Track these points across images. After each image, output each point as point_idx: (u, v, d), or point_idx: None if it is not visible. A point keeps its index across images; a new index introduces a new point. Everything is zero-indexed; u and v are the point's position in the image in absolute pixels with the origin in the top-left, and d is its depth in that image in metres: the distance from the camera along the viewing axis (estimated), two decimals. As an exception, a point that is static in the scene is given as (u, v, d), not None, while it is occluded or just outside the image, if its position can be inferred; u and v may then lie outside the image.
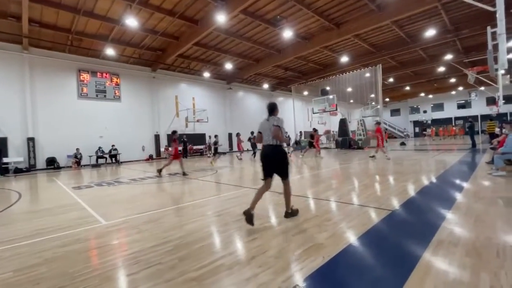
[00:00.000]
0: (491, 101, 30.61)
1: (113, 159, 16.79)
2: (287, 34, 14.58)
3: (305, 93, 27.48)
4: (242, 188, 6.07)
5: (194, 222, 3.62)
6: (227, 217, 3.80)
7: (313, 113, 21.97)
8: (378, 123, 12.37)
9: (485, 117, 31.74)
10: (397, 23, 14.99)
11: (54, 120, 15.01)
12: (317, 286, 1.91)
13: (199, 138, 21.91)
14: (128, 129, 17.94)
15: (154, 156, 19.14)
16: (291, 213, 3.63)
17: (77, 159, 14.93)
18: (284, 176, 3.56)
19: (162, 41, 15.77)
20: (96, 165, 15.54)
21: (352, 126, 28.19)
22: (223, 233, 3.15)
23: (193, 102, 21.53)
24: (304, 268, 2.17)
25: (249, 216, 3.17)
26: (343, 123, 21.76)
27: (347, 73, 20.06)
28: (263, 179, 3.62)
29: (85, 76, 16.26)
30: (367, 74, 19.46)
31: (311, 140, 14.22)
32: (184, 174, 8.77)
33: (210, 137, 18.59)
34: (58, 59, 15.26)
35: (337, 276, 2.06)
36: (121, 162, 16.84)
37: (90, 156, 15.56)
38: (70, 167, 14.79)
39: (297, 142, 19.36)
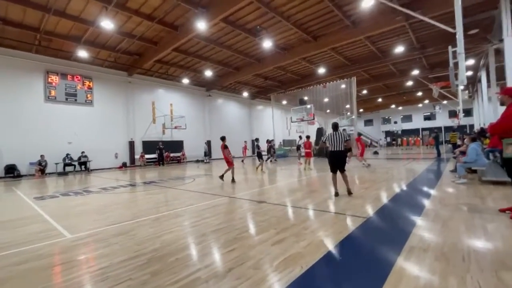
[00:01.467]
0: (453, 114, 33.23)
1: (83, 166, 15.79)
2: (267, 44, 14.88)
3: (284, 102, 28.02)
4: (220, 197, 5.95)
5: (169, 233, 3.47)
6: (204, 227, 3.68)
7: (292, 122, 22.40)
8: (359, 134, 12.91)
9: (448, 129, 34.28)
10: (370, 39, 15.91)
11: (16, 124, 13.86)
12: (295, 297, 1.89)
13: (177, 145, 21.37)
14: (100, 135, 17.03)
15: (128, 164, 18.29)
16: (349, 192, 5.42)
17: (41, 167, 13.83)
18: (343, 169, 5.54)
19: (140, 46, 15.36)
20: (63, 173, 14.49)
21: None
22: (200, 245, 3.04)
23: (170, 109, 21.05)
24: (282, 278, 2.14)
25: (336, 193, 5.36)
26: (320, 132, 22.38)
27: (324, 84, 20.87)
28: (333, 172, 5.60)
29: (54, 78, 15.30)
30: (343, 86, 20.36)
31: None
32: (232, 180, 8.24)
33: (267, 140, 18.66)
34: (23, 59, 14.25)
35: (315, 285, 2.05)
36: (92, 170, 15.88)
37: (56, 164, 14.49)
38: (33, 175, 13.65)
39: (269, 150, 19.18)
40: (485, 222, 3.37)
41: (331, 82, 20.46)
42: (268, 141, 18.55)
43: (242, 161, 17.68)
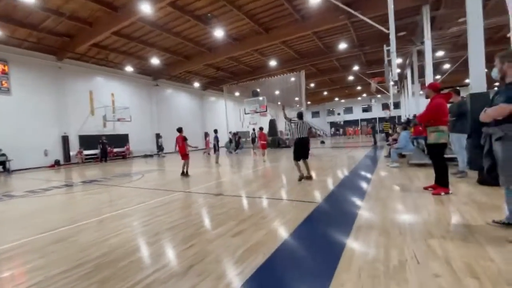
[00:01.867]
0: (385, 107, 37.74)
1: (0, 167, 13.26)
2: (219, 33, 14.45)
3: (237, 93, 27.91)
4: (174, 192, 5.67)
5: (118, 236, 3.16)
6: (158, 225, 3.46)
7: (245, 114, 22.50)
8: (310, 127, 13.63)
9: (381, 119, 38.84)
10: (317, 34, 16.78)
11: None
12: (262, 284, 1.91)
13: (121, 139, 19.50)
14: (23, 130, 14.42)
15: (62, 162, 16.02)
16: (309, 177, 5.91)
17: None
18: (306, 157, 6.03)
19: (71, 26, 13.30)
20: (-28, 176, 11.95)
21: (280, 126, 30.14)
22: (154, 244, 2.84)
23: (112, 99, 19.04)
24: (246, 268, 2.14)
25: (300, 178, 5.77)
26: (272, 124, 23.03)
27: (275, 76, 21.41)
28: (297, 160, 5.95)
29: (-48, 60, 12.31)
30: (292, 79, 21.19)
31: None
32: (186, 174, 7.93)
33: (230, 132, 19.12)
34: None
35: (278, 270, 2.11)
36: (13, 171, 13.45)
37: (-38, 165, 11.86)
38: None
39: (231, 141, 19.48)
40: (414, 199, 3.92)
41: (282, 75, 21.10)
42: (235, 133, 19.38)
43: (208, 153, 17.30)
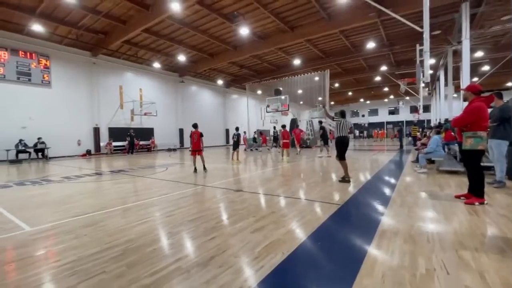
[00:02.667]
0: (414, 109, 35.86)
1: (40, 154, 14.40)
2: (244, 31, 14.55)
3: (259, 92, 27.92)
4: (196, 186, 5.82)
5: (144, 224, 3.31)
6: (181, 216, 3.57)
7: (267, 112, 22.47)
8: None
9: (409, 123, 36.98)
10: (344, 33, 16.30)
11: (-44, 105, 12.12)
12: (280, 281, 1.91)
13: (147, 132, 20.36)
14: (60, 120, 15.56)
15: (93, 152, 17.06)
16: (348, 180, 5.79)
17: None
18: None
19: (106, 24, 14.08)
20: (15, 161, 13.10)
21: (302, 126, 29.77)
22: (178, 234, 2.94)
23: (140, 94, 19.90)
24: (265, 265, 2.15)
25: (343, 180, 5.73)
26: (293, 123, 22.77)
27: (299, 75, 21.12)
28: (342, 159, 5.88)
29: (2, 54, 13.52)
30: (316, 78, 20.79)
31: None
32: (195, 170, 7.95)
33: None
34: (-37, 29, 12.35)
35: (297, 270, 2.10)
36: (50, 158, 14.56)
37: (7, 151, 13.01)
38: (-21, 163, 12.16)
39: (255, 139, 20.02)
40: (444, 207, 3.70)
41: (306, 74, 20.77)
42: (261, 132, 19.87)
43: (245, 150, 18.53)
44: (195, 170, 7.97)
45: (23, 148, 13.68)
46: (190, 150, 8.34)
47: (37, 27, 12.93)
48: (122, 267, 2.18)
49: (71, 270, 2.16)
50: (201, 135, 8.12)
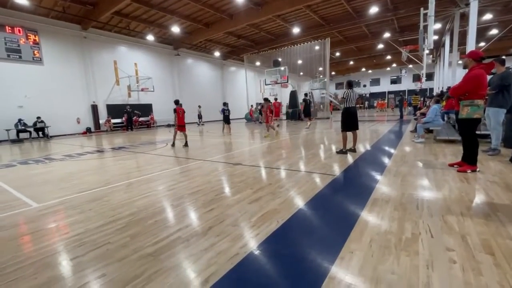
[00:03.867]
0: (417, 78, 35.00)
1: (40, 133, 14.46)
2: (239, -2, 13.73)
3: (257, 63, 27.05)
4: (195, 160, 5.92)
5: (145, 198, 3.44)
6: (181, 190, 3.70)
7: (266, 85, 22.03)
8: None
9: (411, 92, 36.31)
10: (346, -3, 15.38)
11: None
12: (274, 247, 2.05)
13: (145, 108, 20.17)
14: (57, 98, 15.34)
15: (93, 129, 17.08)
16: (354, 149, 5.87)
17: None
18: (357, 128, 5.84)
19: (92, -7, 13.28)
20: (17, 141, 13.21)
21: (301, 98, 29.36)
22: (178, 207, 3.07)
23: (135, 69, 19.38)
24: (261, 232, 2.28)
25: (341, 151, 5.74)
26: (293, 95, 22.44)
27: (298, 45, 20.34)
28: (346, 131, 5.77)
29: (-11, 30, 12.97)
30: (316, 47, 20.05)
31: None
32: (173, 144, 8.54)
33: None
34: None
35: (291, 236, 2.23)
36: (51, 137, 14.64)
37: (7, 130, 13.04)
38: (-19, 143, 12.28)
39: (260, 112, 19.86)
40: (436, 175, 3.80)
41: (306, 43, 19.99)
42: (262, 105, 18.11)
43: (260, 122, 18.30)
44: (174, 144, 8.48)
45: (23, 127, 13.70)
46: (177, 126, 8.50)
47: (20, -1, 12.22)
48: (126, 238, 2.32)
49: (80, 241, 2.30)
50: (184, 111, 8.46)
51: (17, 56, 13.90)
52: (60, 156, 7.66)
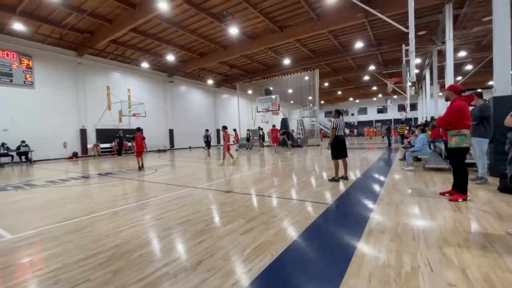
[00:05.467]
0: (402, 108, 36.69)
1: (23, 157, 13.93)
2: (233, 31, 14.51)
3: (250, 91, 27.88)
4: (185, 188, 5.76)
5: (131, 228, 3.25)
6: (169, 220, 3.53)
7: (257, 112, 22.49)
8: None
9: (397, 121, 37.80)
10: (333, 33, 16.49)
11: None
12: (268, 284, 1.92)
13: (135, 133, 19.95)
14: (44, 122, 15.07)
15: (80, 154, 16.63)
16: (346, 177, 5.90)
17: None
18: (346, 155, 5.92)
19: (91, 23, 13.74)
20: (-3, 165, 12.64)
21: (292, 125, 29.96)
22: (166, 238, 2.90)
23: (128, 94, 19.54)
24: (254, 267, 2.15)
25: (333, 179, 5.76)
26: (284, 123, 22.89)
27: (289, 75, 21.27)
28: (337, 159, 5.81)
29: (-18, 54, 12.99)
30: (306, 78, 20.97)
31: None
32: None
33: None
34: None
35: (286, 272, 2.10)
36: (34, 161, 14.10)
37: (-12, 154, 12.55)
38: (-42, 167, 11.65)
39: (248, 139, 20.14)
40: (429, 204, 3.79)
41: (296, 74, 20.92)
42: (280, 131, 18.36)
43: (236, 150, 18.72)
44: (139, 168, 9.18)
45: (5, 151, 13.20)
46: (135, 152, 9.48)
47: (18, 26, 12.51)
48: (108, 274, 2.13)
49: (55, 279, 2.09)
50: (144, 138, 9.45)
51: (8, 80, 13.84)
52: (42, 182, 7.31)
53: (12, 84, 13.97)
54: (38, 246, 2.81)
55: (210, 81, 25.87)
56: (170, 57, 18.37)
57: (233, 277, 2.02)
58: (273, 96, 21.20)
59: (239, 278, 2.00)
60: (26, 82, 14.53)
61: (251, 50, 18.04)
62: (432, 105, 18.51)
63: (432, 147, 9.76)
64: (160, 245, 2.74)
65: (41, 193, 5.78)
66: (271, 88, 22.76)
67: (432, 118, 15.40)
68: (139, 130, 9.53)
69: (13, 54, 14.01)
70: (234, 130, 19.81)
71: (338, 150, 5.82)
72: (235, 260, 2.31)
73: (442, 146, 7.62)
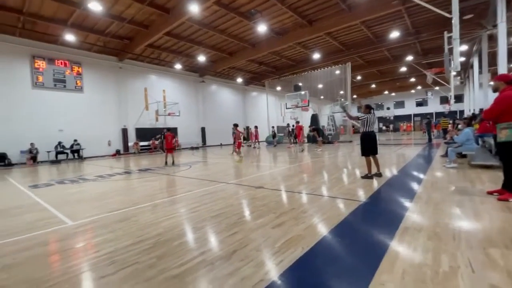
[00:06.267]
0: (444, 100, 33.71)
1: (75, 154, 15.58)
2: (262, 28, 14.56)
3: (278, 88, 27.77)
4: (218, 183, 6.02)
5: (171, 219, 3.53)
6: (205, 213, 3.75)
7: (286, 108, 22.35)
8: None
9: (438, 115, 34.82)
10: (366, 23, 15.71)
11: (4, 112, 13.45)
12: (299, 275, 1.99)
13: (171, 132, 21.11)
14: (92, 123, 16.70)
15: (122, 151, 18.11)
16: (379, 174, 5.74)
17: (32, 155, 13.59)
18: (376, 152, 5.72)
19: (130, 29, 14.81)
20: (55, 161, 14.30)
21: (323, 121, 29.22)
22: (202, 229, 3.11)
23: (163, 95, 20.67)
24: (285, 259, 2.23)
25: (366, 176, 5.56)
26: (314, 119, 22.44)
27: (319, 69, 20.73)
28: (367, 156, 5.66)
29: (41, 64, 14.73)
30: (337, 72, 20.26)
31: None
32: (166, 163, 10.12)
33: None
34: (6, 42, 13.61)
35: (316, 264, 2.16)
36: (85, 158, 15.70)
37: (48, 152, 14.25)
38: (25, 163, 13.43)
39: (273, 136, 20.24)
40: (474, 203, 3.53)
41: (326, 68, 20.33)
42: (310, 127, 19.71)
43: (254, 147, 19.02)
44: (166, 163, 10.05)
45: (61, 149, 14.89)
46: (166, 149, 10.38)
47: (69, 37, 13.92)
48: (153, 259, 2.38)
49: (110, 260, 2.40)
50: (173, 136, 10.42)
51: (62, 86, 15.52)
52: (92, 176, 8.15)
53: (65, 89, 15.66)
54: (94, 232, 3.20)
55: (239, 80, 26.28)
56: (201, 58, 19.05)
57: (265, 267, 2.13)
58: (303, 92, 20.87)
59: (272, 268, 2.11)
60: (77, 87, 16.18)
61: (279, 46, 17.95)
62: (481, 96, 16.74)
63: (480, 142, 8.89)
64: (197, 235, 2.95)
65: (92, 186, 6.47)
66: (300, 84, 22.44)
67: (481, 110, 13.96)
68: (169, 130, 10.82)
69: (65, 63, 15.66)
70: (256, 127, 19.95)
71: (367, 146, 5.65)
72: (267, 251, 2.42)
73: (492, 141, 6.94)
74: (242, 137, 10.67)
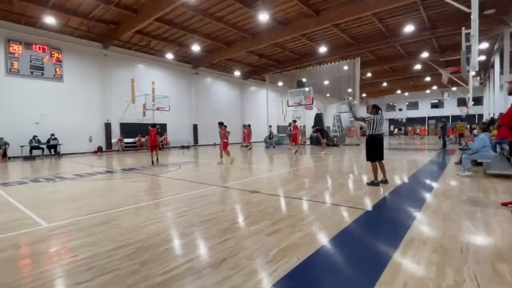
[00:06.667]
0: (462, 102, 34.00)
1: (52, 150, 15.53)
2: (263, 17, 14.63)
3: (280, 83, 27.86)
4: (210, 186, 6.07)
5: (156, 223, 3.58)
6: (194, 217, 3.81)
7: (288, 106, 22.44)
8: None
9: (455, 118, 35.12)
10: (378, 15, 15.87)
11: (-27, 100, 13.40)
12: (292, 286, 2.05)
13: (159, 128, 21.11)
14: (72, 116, 16.65)
15: (104, 149, 18.08)
16: (386, 181, 5.75)
17: (1, 150, 13.50)
18: (382, 158, 5.71)
19: (117, 13, 14.80)
20: (29, 158, 14.25)
21: (328, 121, 29.37)
22: (190, 235, 3.16)
23: (152, 87, 20.67)
24: (278, 269, 2.29)
25: (372, 183, 5.57)
26: (318, 118, 22.55)
27: (325, 64, 20.83)
28: (373, 161, 5.64)
29: (16, 48, 14.68)
30: (345, 67, 20.39)
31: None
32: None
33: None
34: (-21, 24, 13.58)
35: (312, 276, 2.22)
36: (62, 155, 15.65)
37: (21, 147, 14.19)
38: (-5, 159, 13.39)
39: (270, 136, 20.22)
40: (486, 215, 3.62)
41: (333, 63, 20.45)
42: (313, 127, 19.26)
43: (246, 146, 19.15)
44: (153, 163, 10.28)
45: (37, 144, 14.83)
46: (149, 146, 10.90)
47: (49, 20, 13.90)
48: (136, 265, 2.42)
49: (88, 265, 2.44)
50: (157, 133, 10.63)
51: (40, 73, 15.48)
52: (70, 175, 8.16)
53: (43, 78, 15.62)
54: (71, 235, 3.24)
55: (237, 73, 26.35)
56: (196, 47, 19.08)
57: (257, 277, 2.19)
58: (306, 89, 20.99)
59: (263, 278, 2.16)
60: (56, 76, 16.14)
61: (282, 38, 18.05)
62: (502, 99, 16.96)
63: (498, 149, 9.02)
64: (184, 241, 3.00)
65: (70, 186, 6.49)
66: (304, 80, 22.53)
67: (500, 114, 14.15)
68: (154, 126, 10.85)
69: (44, 48, 15.62)
70: (248, 125, 19.99)
71: (373, 151, 5.64)
72: (259, 260, 2.48)
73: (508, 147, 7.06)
74: (227, 137, 10.55)
